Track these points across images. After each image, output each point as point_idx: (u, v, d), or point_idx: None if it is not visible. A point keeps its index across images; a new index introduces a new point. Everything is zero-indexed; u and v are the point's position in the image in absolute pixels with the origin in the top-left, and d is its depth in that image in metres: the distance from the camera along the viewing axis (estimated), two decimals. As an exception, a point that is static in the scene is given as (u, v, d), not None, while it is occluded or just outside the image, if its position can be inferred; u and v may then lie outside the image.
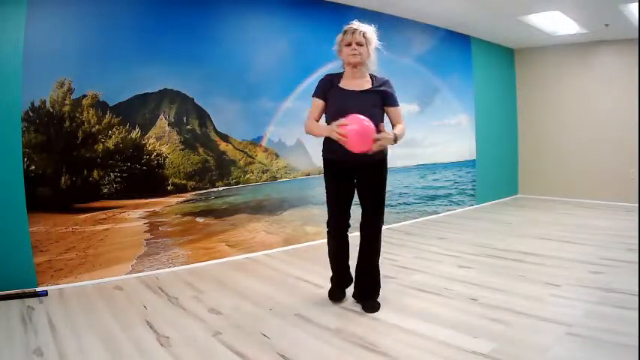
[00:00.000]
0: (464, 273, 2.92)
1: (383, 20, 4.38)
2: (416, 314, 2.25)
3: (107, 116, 2.94)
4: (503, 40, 5.65)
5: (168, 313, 2.35)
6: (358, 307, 2.36)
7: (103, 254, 2.93)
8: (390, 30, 4.48)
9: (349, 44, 2.21)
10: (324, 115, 2.32)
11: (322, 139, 2.32)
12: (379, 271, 2.40)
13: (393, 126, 2.32)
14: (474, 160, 5.56)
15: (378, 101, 2.27)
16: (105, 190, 2.99)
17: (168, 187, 3.26)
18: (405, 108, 4.76)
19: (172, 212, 3.26)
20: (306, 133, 2.32)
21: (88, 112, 2.87)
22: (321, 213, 3.92)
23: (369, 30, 2.24)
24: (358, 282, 2.42)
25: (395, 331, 2.06)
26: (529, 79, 6.05)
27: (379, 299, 2.39)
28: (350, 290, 2.49)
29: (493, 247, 3.53)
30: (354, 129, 2.00)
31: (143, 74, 3.04)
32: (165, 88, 3.17)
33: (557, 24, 4.62)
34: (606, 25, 4.52)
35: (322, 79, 2.33)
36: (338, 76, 2.31)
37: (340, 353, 1.86)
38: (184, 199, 3.33)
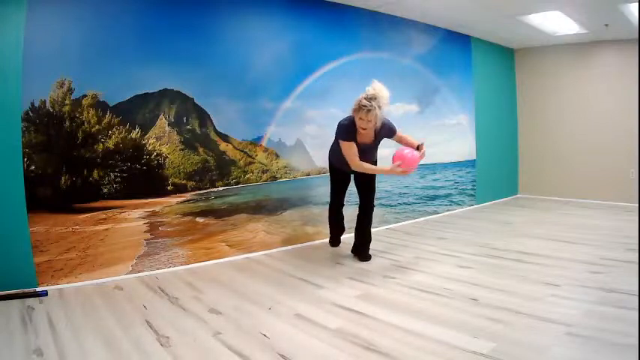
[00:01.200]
0: (464, 273, 2.92)
1: (383, 20, 4.38)
2: (416, 314, 2.25)
3: (107, 116, 2.94)
4: (503, 40, 5.65)
5: (168, 313, 2.35)
6: (358, 307, 2.36)
7: (103, 254, 2.93)
8: (390, 30, 4.49)
9: (361, 119, 2.78)
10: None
11: (329, 148, 3.22)
12: (371, 234, 3.32)
13: (400, 140, 3.12)
14: (474, 160, 5.56)
15: (379, 142, 3.08)
16: (105, 190, 2.99)
17: (168, 187, 3.26)
18: (405, 108, 4.77)
19: (172, 212, 3.26)
20: (358, 170, 2.97)
21: (88, 112, 2.87)
22: (321, 213, 3.94)
23: (382, 102, 2.75)
24: (356, 241, 3.35)
25: (395, 331, 2.06)
26: (529, 79, 6.05)
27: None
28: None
29: (493, 247, 3.53)
30: (409, 163, 2.88)
31: (143, 74, 3.04)
32: (165, 88, 3.17)
33: (557, 24, 4.62)
34: (606, 25, 4.51)
35: (346, 128, 2.91)
36: (353, 127, 2.89)
37: (340, 353, 1.86)
38: (184, 199, 3.33)
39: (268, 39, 3.65)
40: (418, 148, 2.98)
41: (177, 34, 3.18)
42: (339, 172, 3.22)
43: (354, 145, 2.91)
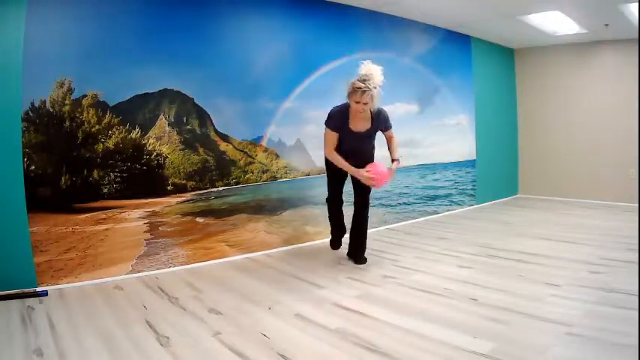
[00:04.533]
0: (464, 273, 2.92)
1: (383, 20, 4.38)
2: (416, 314, 2.25)
3: (107, 116, 2.94)
4: (503, 40, 5.65)
5: (168, 313, 2.35)
6: (358, 307, 2.36)
7: (103, 254, 2.93)
8: (390, 30, 4.49)
9: (358, 102, 2.73)
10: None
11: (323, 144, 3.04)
12: (366, 235, 3.25)
13: (388, 139, 3.10)
14: (474, 160, 5.56)
15: (374, 133, 2.99)
16: (105, 190, 2.99)
17: (168, 187, 3.26)
18: (405, 108, 4.77)
19: (172, 212, 3.26)
20: (329, 159, 2.97)
21: (88, 112, 2.87)
22: (321, 213, 3.93)
23: (377, 82, 2.71)
24: (350, 244, 3.30)
25: (395, 331, 2.06)
26: (529, 79, 6.05)
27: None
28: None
29: (493, 247, 3.53)
30: (379, 178, 2.88)
31: (143, 74, 3.04)
32: (165, 88, 3.17)
33: (557, 24, 4.62)
34: (606, 25, 4.51)
35: (335, 115, 2.89)
36: (346, 114, 2.87)
37: (340, 353, 1.86)
38: (184, 199, 3.33)
39: (268, 39, 3.65)
40: (393, 161, 3.04)
41: (177, 34, 3.18)
42: (336, 170, 3.10)
43: (336, 136, 2.88)
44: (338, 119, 2.88)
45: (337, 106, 2.94)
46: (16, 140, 2.62)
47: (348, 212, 3.42)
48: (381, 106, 2.93)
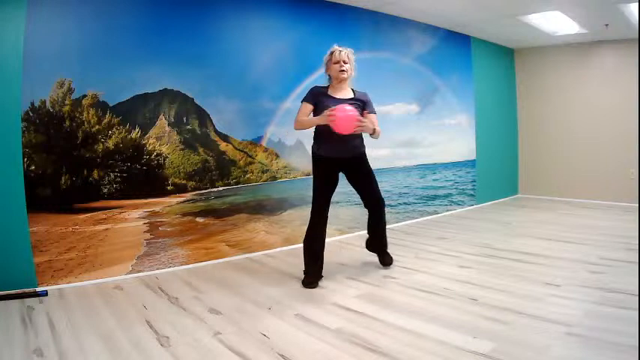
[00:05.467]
0: (464, 273, 2.92)
1: (383, 20, 4.38)
2: (416, 314, 2.25)
3: (107, 116, 2.94)
4: (503, 40, 5.65)
5: (168, 313, 2.35)
6: (358, 307, 2.36)
7: (103, 254, 2.93)
8: (390, 30, 4.49)
9: (337, 62, 2.73)
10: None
11: (312, 140, 2.85)
12: (385, 233, 3.09)
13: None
14: (474, 160, 5.56)
15: (360, 107, 2.76)
16: (105, 190, 2.99)
17: (168, 187, 3.26)
18: (405, 108, 4.77)
19: (172, 212, 3.26)
20: (297, 129, 2.79)
21: (88, 112, 2.87)
22: (321, 213, 3.93)
23: (351, 51, 2.79)
24: (372, 246, 3.14)
25: (395, 331, 2.06)
26: (529, 79, 6.05)
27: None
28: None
29: (493, 247, 3.53)
30: (341, 115, 2.53)
31: (143, 74, 3.04)
32: (165, 88, 3.17)
33: (557, 24, 4.62)
34: (606, 25, 4.51)
35: (313, 90, 2.82)
36: (326, 88, 2.82)
37: (340, 353, 1.86)
38: (184, 199, 3.33)
39: (268, 39, 3.66)
40: (362, 115, 2.68)
41: (177, 34, 3.18)
42: (325, 165, 2.77)
43: (309, 107, 2.73)
44: (314, 92, 2.78)
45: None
46: (16, 140, 2.62)
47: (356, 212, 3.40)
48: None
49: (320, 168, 2.79)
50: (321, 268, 2.84)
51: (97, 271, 2.89)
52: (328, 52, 2.80)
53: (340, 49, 2.76)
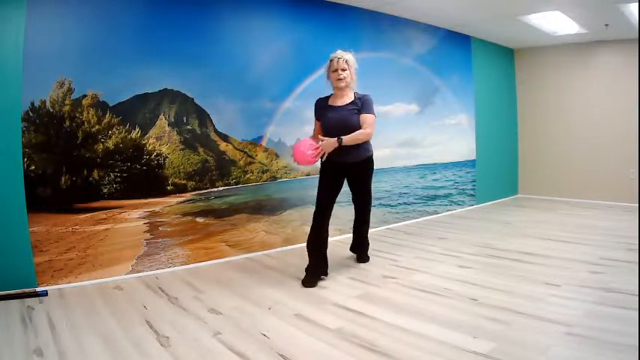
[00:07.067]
0: (464, 273, 2.92)
1: (383, 20, 4.38)
2: (416, 314, 2.25)
3: (107, 116, 2.94)
4: (503, 40, 5.65)
5: (168, 313, 2.35)
6: (358, 307, 2.36)
7: (103, 254, 2.93)
8: (390, 30, 4.48)
9: (335, 70, 2.79)
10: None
11: None
12: (367, 231, 3.24)
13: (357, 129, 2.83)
14: (474, 160, 5.56)
15: (357, 110, 2.82)
16: (105, 190, 2.99)
17: (168, 187, 3.26)
18: (405, 108, 4.76)
19: (172, 212, 3.26)
20: None
21: (88, 112, 2.87)
22: (321, 213, 3.93)
23: (350, 57, 2.82)
24: (353, 242, 3.30)
25: (395, 331, 2.06)
26: (529, 79, 6.05)
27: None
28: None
29: (493, 247, 3.53)
30: (296, 153, 2.73)
31: (143, 74, 3.04)
32: (165, 88, 3.17)
33: (557, 24, 4.62)
34: (606, 25, 4.51)
35: (315, 103, 2.96)
36: (327, 98, 2.92)
37: (340, 353, 1.86)
38: (184, 199, 3.33)
39: (268, 39, 3.65)
40: (317, 140, 2.75)
41: (177, 34, 3.18)
42: (331, 168, 2.86)
43: (317, 123, 2.93)
44: (316, 105, 2.95)
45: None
46: (16, 140, 2.62)
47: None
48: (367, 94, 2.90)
49: (326, 171, 2.91)
50: (323, 267, 2.89)
51: (97, 271, 2.89)
52: (328, 61, 2.85)
53: (339, 56, 2.80)
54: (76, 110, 2.82)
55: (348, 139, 2.71)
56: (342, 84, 2.78)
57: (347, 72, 2.78)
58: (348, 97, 2.85)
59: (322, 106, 2.90)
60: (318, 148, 2.69)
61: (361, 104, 2.81)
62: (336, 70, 2.78)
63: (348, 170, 2.90)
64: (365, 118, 2.78)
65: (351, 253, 3.40)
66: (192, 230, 3.32)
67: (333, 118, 2.79)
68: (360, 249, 3.29)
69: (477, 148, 5.57)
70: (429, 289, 2.61)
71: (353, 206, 3.16)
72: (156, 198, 3.20)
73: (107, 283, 2.85)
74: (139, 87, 3.05)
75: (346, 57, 2.80)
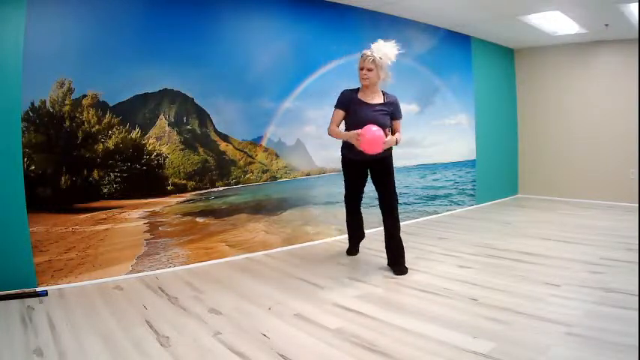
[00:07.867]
0: (464, 273, 2.92)
1: (383, 20, 4.38)
2: (416, 314, 2.25)
3: (107, 116, 2.94)
4: (503, 40, 5.65)
5: (168, 313, 2.35)
6: (358, 307, 2.36)
7: (103, 254, 2.93)
8: (390, 30, 4.47)
9: (361, 69, 2.80)
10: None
11: (342, 141, 3.00)
12: (402, 243, 3.03)
13: (394, 131, 2.97)
14: (474, 160, 5.56)
15: (388, 112, 2.89)
16: (105, 190, 2.99)
17: (168, 187, 3.26)
18: (405, 108, 4.75)
19: (172, 212, 3.26)
20: (330, 135, 2.93)
21: (88, 112, 2.87)
22: (321, 213, 3.94)
23: (382, 53, 2.78)
24: (388, 253, 3.06)
25: (395, 331, 2.06)
26: (529, 79, 6.05)
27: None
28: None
29: (493, 247, 3.53)
30: (368, 138, 2.67)
31: (143, 74, 3.04)
32: (165, 88, 3.17)
33: (557, 24, 4.62)
34: (606, 25, 4.51)
35: (343, 94, 2.92)
36: (356, 91, 2.91)
37: (340, 353, 1.86)
38: (184, 199, 3.33)
39: (268, 39, 3.65)
40: (386, 134, 2.78)
41: (177, 34, 3.18)
42: (353, 165, 3.02)
43: (341, 113, 2.90)
44: (345, 96, 2.91)
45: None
46: (16, 140, 2.62)
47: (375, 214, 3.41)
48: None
49: (348, 167, 3.09)
50: (358, 237, 3.39)
51: (97, 271, 2.89)
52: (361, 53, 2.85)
53: (368, 54, 2.79)
54: (76, 110, 2.82)
55: (400, 140, 2.92)
56: (366, 83, 2.82)
57: (373, 72, 2.78)
58: (378, 96, 2.89)
59: (352, 99, 2.88)
60: (386, 142, 2.74)
61: (393, 109, 2.92)
62: (362, 69, 2.80)
63: (371, 166, 3.00)
64: (399, 123, 2.98)
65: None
66: (193, 230, 3.32)
67: (366, 116, 2.81)
68: (395, 258, 3.01)
69: (477, 148, 5.57)
70: (429, 289, 2.61)
71: (382, 218, 3.04)
72: (156, 198, 3.20)
73: (107, 283, 2.85)
74: (139, 87, 3.05)
75: (375, 56, 2.76)
